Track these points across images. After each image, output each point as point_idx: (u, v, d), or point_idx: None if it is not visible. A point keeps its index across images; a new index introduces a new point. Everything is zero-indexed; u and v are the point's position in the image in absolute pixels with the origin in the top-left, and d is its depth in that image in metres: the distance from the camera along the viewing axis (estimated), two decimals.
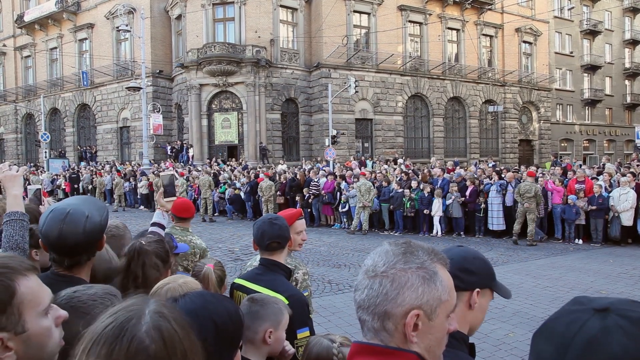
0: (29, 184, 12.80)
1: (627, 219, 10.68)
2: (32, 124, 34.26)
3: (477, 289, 1.36)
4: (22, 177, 1.93)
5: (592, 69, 36.82)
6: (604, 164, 15.10)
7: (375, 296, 0.94)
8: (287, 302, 1.91)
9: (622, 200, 10.67)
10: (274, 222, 2.20)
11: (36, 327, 0.99)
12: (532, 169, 13.66)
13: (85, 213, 1.62)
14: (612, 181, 11.73)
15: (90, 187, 20.69)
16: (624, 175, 11.43)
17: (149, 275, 1.90)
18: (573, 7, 33.74)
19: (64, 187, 21.88)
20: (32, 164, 30.06)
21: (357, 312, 0.98)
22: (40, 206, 2.50)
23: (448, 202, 12.44)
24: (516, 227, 11.31)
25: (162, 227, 2.60)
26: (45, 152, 27.26)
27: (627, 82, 39.96)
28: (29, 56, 33.52)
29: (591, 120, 37.46)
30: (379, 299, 0.94)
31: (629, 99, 39.62)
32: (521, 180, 11.84)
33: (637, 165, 13.69)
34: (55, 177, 23.06)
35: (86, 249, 1.63)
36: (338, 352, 1.69)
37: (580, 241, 11.27)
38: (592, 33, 36.77)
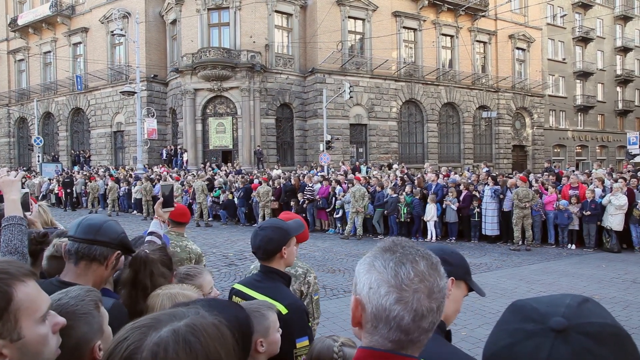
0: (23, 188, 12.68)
1: (617, 224, 10.73)
2: (25, 128, 34.04)
3: (452, 277, 1.39)
4: (19, 182, 1.95)
5: (584, 75, 37.18)
6: (594, 169, 15.22)
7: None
8: (286, 310, 1.87)
9: (613, 203, 10.75)
10: (269, 229, 2.14)
11: (32, 335, 0.97)
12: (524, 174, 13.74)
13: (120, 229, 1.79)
14: (604, 187, 11.81)
15: (84, 191, 20.54)
16: (616, 181, 11.51)
17: (158, 285, 1.80)
18: (565, 15, 34.13)
19: (56, 191, 21.72)
20: (25, 168, 29.87)
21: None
22: (27, 212, 2.43)
23: (447, 203, 12.43)
24: (516, 234, 11.38)
25: (159, 237, 2.59)
26: (39, 156, 27.10)
27: (618, 88, 40.38)
28: (22, 60, 33.36)
29: (584, 127, 37.80)
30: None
31: (620, 105, 40.02)
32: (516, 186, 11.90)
33: (628, 172, 13.81)
34: (49, 181, 22.90)
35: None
36: (339, 351, 1.69)
37: (574, 246, 11.33)
38: (584, 40, 37.18)
